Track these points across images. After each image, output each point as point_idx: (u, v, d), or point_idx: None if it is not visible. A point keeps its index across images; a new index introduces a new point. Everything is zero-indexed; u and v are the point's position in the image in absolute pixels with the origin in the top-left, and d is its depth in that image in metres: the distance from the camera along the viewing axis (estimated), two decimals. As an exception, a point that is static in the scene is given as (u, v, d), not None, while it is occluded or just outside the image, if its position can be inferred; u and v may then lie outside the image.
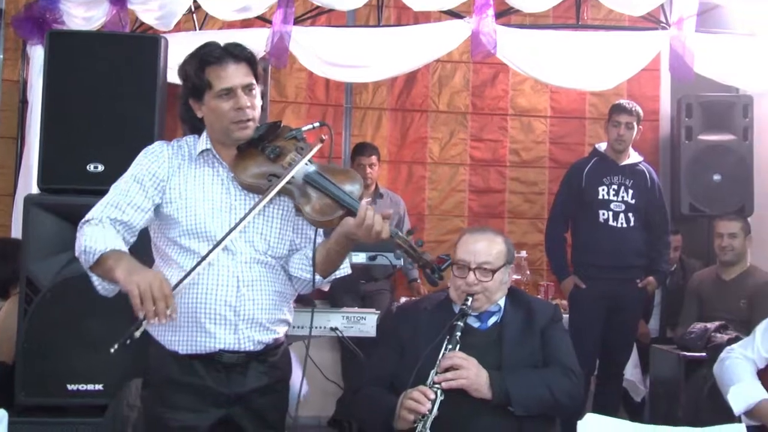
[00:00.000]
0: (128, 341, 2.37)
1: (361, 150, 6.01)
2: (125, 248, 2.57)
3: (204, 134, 2.76)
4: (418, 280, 6.14)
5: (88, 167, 3.85)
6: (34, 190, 4.54)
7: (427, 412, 2.72)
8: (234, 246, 2.67)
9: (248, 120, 2.68)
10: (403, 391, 2.83)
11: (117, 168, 3.63)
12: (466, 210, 6.92)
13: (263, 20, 5.23)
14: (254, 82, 2.70)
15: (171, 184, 2.69)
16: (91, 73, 3.90)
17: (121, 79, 3.90)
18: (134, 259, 2.52)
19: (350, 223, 2.61)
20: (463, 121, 6.94)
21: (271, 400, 2.80)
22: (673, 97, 6.87)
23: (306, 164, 2.68)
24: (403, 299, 5.71)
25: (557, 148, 7.01)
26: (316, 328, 4.26)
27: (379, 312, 4.95)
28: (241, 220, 2.59)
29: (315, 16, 5.50)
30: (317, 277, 2.76)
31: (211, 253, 2.54)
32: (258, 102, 2.72)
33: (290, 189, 2.65)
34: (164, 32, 5.05)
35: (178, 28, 5.50)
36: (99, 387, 3.74)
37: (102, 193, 3.61)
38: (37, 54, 5.28)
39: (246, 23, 5.73)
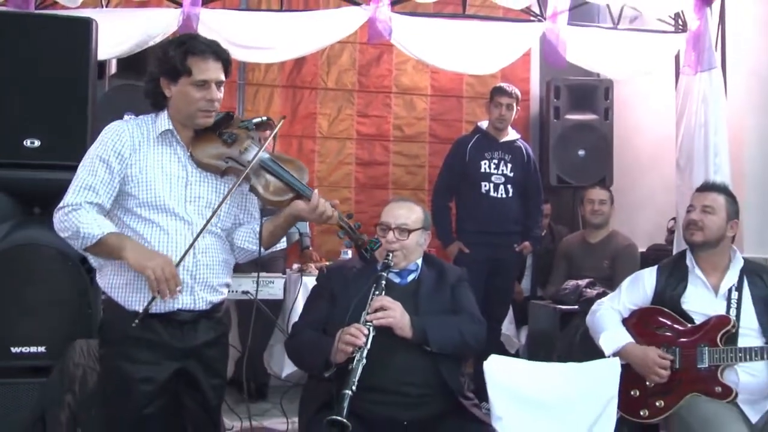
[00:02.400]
0: (146, 314, 2.86)
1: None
2: (116, 228, 2.91)
3: (165, 114, 3.03)
4: (310, 248, 6.50)
5: (24, 142, 3.90)
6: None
7: (363, 345, 3.11)
8: (190, 218, 3.00)
9: (213, 111, 3.02)
10: (336, 332, 3.22)
11: (53, 143, 3.91)
12: (353, 181, 7.33)
13: (171, 1, 5.41)
14: (224, 80, 3.03)
15: (132, 160, 2.95)
16: (25, 52, 3.92)
17: (55, 58, 3.96)
18: (135, 241, 2.90)
19: (301, 207, 3.06)
20: (350, 98, 7.32)
21: (217, 351, 3.17)
22: (542, 80, 7.47)
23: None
24: (295, 266, 6.05)
25: (437, 124, 7.50)
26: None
27: (285, 277, 5.39)
28: (225, 198, 3.00)
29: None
30: (256, 248, 3.17)
31: (169, 223, 2.97)
32: (221, 96, 3.05)
33: (247, 172, 3.01)
34: (71, 8, 5.03)
35: (84, 5, 5.55)
36: (42, 349, 3.84)
37: (39, 167, 3.87)
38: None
39: (155, 2, 5.80)
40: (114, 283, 2.98)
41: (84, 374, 3.69)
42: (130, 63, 5.53)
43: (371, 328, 3.19)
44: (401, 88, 7.44)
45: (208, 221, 2.98)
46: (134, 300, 2.95)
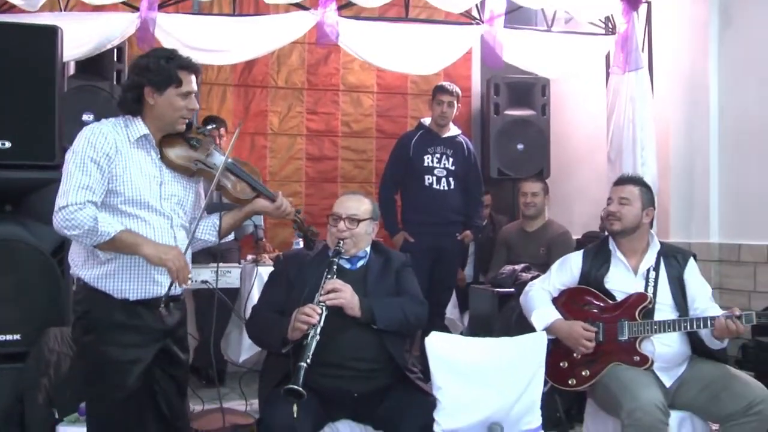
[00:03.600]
0: (170, 301, 3.21)
1: (210, 122, 6.49)
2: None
3: (139, 120, 3.27)
4: (264, 240, 6.77)
5: None
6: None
7: (317, 323, 3.43)
8: (168, 213, 3.30)
9: (188, 118, 3.36)
10: (292, 313, 3.53)
11: (23, 144, 4.16)
12: (303, 176, 7.63)
13: (127, 5, 5.60)
14: None
15: (117, 160, 3.18)
16: None
17: (24, 65, 4.20)
18: (145, 237, 3.18)
19: (265, 204, 3.48)
20: (299, 96, 7.61)
21: (184, 330, 3.50)
22: (482, 78, 7.83)
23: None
24: (249, 257, 6.31)
25: (383, 120, 7.84)
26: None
27: (241, 267, 5.69)
28: (209, 194, 3.37)
29: (173, 3, 5.85)
30: (215, 239, 3.55)
31: (152, 218, 3.25)
32: None
33: (214, 174, 3.34)
34: (30, 12, 5.20)
35: (43, 8, 5.61)
36: (17, 337, 4.08)
37: (10, 167, 4.12)
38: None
39: (111, 7, 5.96)
40: (100, 274, 3.20)
41: (58, 360, 3.97)
42: (88, 65, 5.75)
43: (324, 308, 3.50)
44: (348, 86, 7.75)
45: (200, 216, 3.38)
46: (124, 289, 3.21)
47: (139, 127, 3.28)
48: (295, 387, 3.21)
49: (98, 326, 3.22)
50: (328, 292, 3.58)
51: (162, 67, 3.23)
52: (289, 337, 3.54)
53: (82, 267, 3.25)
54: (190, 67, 3.30)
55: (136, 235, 3.18)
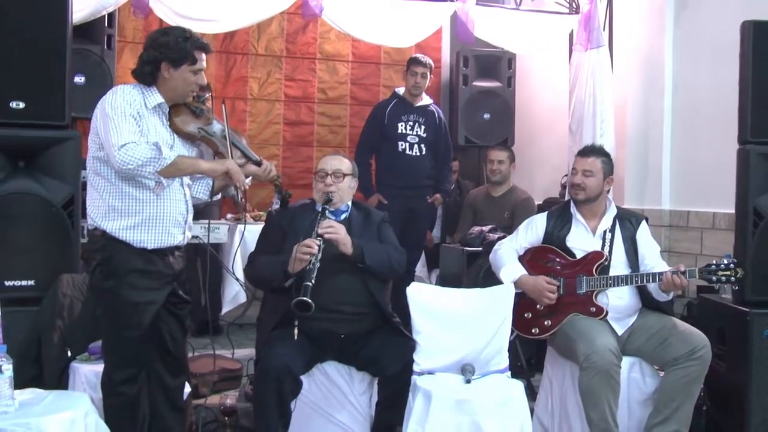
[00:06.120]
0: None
1: (203, 90, 6.76)
2: None
3: (155, 89, 3.61)
4: (243, 200, 7.07)
5: (11, 104, 4.35)
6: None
7: (317, 252, 3.86)
8: None
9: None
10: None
11: (36, 104, 4.42)
12: (281, 140, 7.96)
13: None
14: None
15: (141, 122, 3.54)
16: (9, 24, 4.33)
17: (36, 30, 4.39)
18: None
19: (255, 169, 3.79)
20: (278, 63, 7.92)
21: (185, 275, 3.88)
22: (452, 50, 8.19)
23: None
24: (229, 215, 6.64)
25: (357, 88, 8.18)
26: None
27: (229, 224, 6.06)
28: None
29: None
30: (207, 198, 3.95)
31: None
32: None
33: (214, 141, 3.72)
34: None
35: None
36: (31, 282, 4.33)
37: (24, 126, 4.38)
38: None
39: None
40: (123, 226, 3.55)
41: (71, 303, 4.26)
42: (79, 29, 5.97)
43: (321, 241, 3.93)
44: (325, 55, 8.06)
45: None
46: (145, 239, 3.58)
47: (155, 96, 3.62)
48: (304, 299, 3.67)
49: (118, 272, 3.56)
50: (325, 228, 4.00)
51: (180, 46, 3.57)
52: (290, 270, 3.95)
53: (103, 219, 3.57)
54: (204, 47, 3.66)
55: (190, 157, 3.63)
